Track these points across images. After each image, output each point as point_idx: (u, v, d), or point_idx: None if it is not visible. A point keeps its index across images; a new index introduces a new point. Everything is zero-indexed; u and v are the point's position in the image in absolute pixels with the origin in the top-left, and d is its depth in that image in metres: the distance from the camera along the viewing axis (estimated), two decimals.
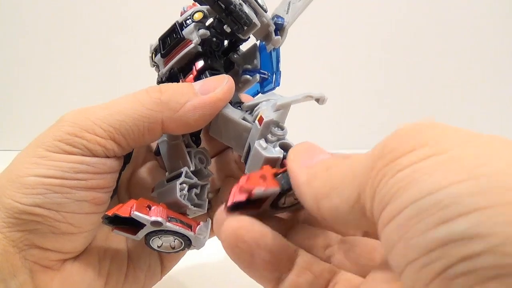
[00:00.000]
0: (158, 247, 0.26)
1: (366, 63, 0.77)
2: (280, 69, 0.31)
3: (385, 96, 0.79)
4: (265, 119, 0.24)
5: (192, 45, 0.28)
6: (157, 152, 0.30)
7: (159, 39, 0.30)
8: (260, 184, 0.19)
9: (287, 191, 0.20)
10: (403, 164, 0.13)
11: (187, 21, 0.29)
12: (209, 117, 0.25)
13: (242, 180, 0.20)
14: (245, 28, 0.26)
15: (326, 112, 0.77)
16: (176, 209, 0.26)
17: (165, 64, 0.29)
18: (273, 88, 0.31)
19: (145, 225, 0.24)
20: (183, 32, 0.28)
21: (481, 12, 0.79)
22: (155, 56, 0.30)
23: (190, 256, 0.33)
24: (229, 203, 0.19)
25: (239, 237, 0.18)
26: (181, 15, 0.30)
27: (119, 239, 0.28)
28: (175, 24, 0.29)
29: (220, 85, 0.25)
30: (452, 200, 0.12)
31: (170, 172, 0.28)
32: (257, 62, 0.31)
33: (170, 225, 0.24)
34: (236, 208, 0.19)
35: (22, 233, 0.23)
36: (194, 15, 0.29)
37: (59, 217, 0.23)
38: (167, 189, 0.26)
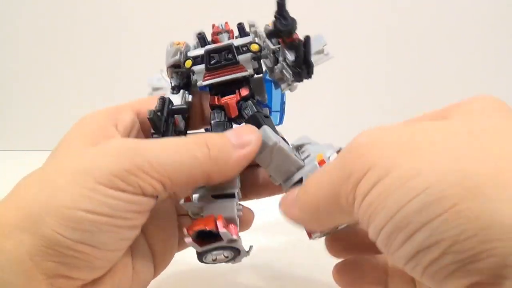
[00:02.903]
0: (213, 260, 0.27)
1: (366, 63, 0.77)
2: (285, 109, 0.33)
3: (385, 97, 0.79)
4: (326, 162, 0.28)
5: (245, 73, 0.30)
6: None
7: (206, 52, 0.30)
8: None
9: None
10: (363, 192, 0.18)
11: (244, 48, 0.30)
12: (244, 167, 0.27)
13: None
14: (308, 77, 0.29)
15: (325, 111, 0.77)
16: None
17: (205, 77, 0.30)
18: (277, 123, 0.33)
19: (218, 240, 0.25)
20: (239, 57, 0.30)
21: (483, 11, 0.79)
22: (193, 64, 0.30)
23: (188, 256, 0.33)
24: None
25: None
26: (214, 29, 0.32)
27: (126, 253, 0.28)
28: (231, 45, 0.30)
29: (253, 137, 0.26)
30: (405, 220, 0.16)
31: (213, 189, 0.28)
32: (265, 96, 0.33)
33: (240, 243, 0.26)
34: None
35: (56, 264, 0.22)
36: (252, 46, 0.30)
37: (99, 255, 0.23)
38: (220, 206, 0.28)
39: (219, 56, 0.30)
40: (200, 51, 0.31)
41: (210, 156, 0.24)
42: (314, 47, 0.31)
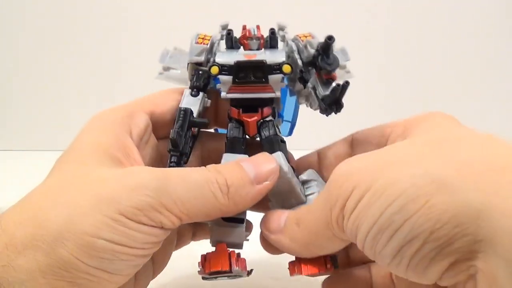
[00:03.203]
0: (215, 278, 0.28)
1: (364, 64, 0.77)
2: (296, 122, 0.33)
3: (384, 98, 0.79)
4: None
5: (272, 95, 0.29)
6: None
7: (236, 63, 0.29)
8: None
9: None
10: (350, 209, 0.21)
11: (276, 68, 0.29)
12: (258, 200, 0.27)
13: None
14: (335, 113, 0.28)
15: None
16: (230, 246, 0.29)
17: (231, 89, 0.29)
18: (287, 135, 0.32)
19: (228, 272, 0.27)
20: (269, 77, 0.29)
21: (482, 11, 0.79)
22: (220, 71, 0.29)
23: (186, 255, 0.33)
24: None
25: None
26: (244, 32, 0.30)
27: None
28: (263, 63, 0.29)
29: (271, 172, 0.26)
30: (388, 221, 0.19)
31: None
32: (280, 105, 0.32)
33: (244, 274, 0.28)
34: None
35: (67, 283, 0.22)
36: (285, 67, 0.29)
37: (111, 279, 0.23)
38: (230, 231, 0.29)
39: (248, 71, 0.29)
40: (229, 59, 0.29)
41: (228, 196, 0.25)
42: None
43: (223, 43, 0.31)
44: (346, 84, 0.27)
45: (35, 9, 0.76)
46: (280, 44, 0.32)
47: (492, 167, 0.18)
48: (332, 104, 0.28)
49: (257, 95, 0.29)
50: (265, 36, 0.31)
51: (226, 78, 0.29)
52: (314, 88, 0.29)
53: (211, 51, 0.31)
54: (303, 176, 0.30)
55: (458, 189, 0.18)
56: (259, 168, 0.26)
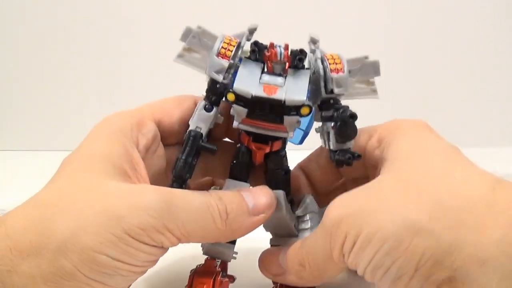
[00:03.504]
0: None
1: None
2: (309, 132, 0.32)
3: (383, 98, 0.79)
4: None
5: (284, 135, 0.29)
6: None
7: (254, 98, 0.27)
8: None
9: None
10: (348, 251, 0.24)
11: (293, 109, 0.28)
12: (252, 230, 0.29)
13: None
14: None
15: None
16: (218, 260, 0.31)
17: (244, 121, 0.29)
18: (297, 143, 0.32)
19: None
20: (285, 118, 0.28)
21: (482, 11, 0.79)
22: (236, 100, 0.28)
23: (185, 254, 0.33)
24: None
25: None
26: (271, 52, 0.28)
27: None
28: (281, 103, 0.27)
29: (268, 206, 0.28)
30: (380, 262, 0.23)
31: None
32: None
33: None
34: None
35: None
36: (303, 109, 0.27)
37: None
38: (221, 250, 0.31)
39: (265, 106, 0.28)
40: (248, 87, 0.27)
41: (226, 222, 0.26)
42: (363, 73, 0.30)
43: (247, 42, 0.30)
44: (357, 157, 0.28)
45: (35, 9, 0.76)
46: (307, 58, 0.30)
47: (457, 204, 0.22)
48: (339, 163, 0.28)
49: (269, 133, 0.29)
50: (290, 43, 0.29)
51: (241, 110, 0.28)
52: (328, 133, 0.29)
53: (233, 61, 0.29)
54: (299, 212, 0.31)
55: (432, 232, 0.22)
56: (257, 201, 0.28)
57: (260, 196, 0.28)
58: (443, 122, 0.78)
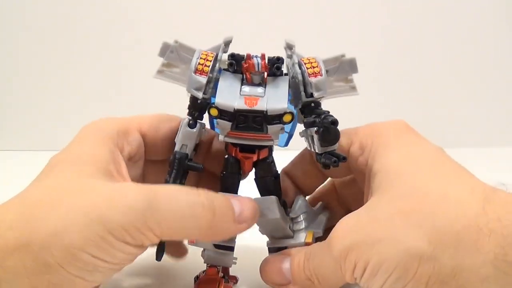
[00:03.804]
0: None
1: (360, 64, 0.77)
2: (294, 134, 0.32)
3: (381, 98, 0.79)
4: (313, 242, 0.32)
5: (270, 143, 0.29)
6: None
7: (236, 112, 0.28)
8: None
9: None
10: (359, 276, 0.26)
11: (276, 118, 0.28)
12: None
13: None
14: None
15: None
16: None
17: (228, 134, 0.29)
18: (283, 145, 0.32)
19: None
20: (269, 127, 0.28)
21: (482, 11, 0.79)
22: (219, 115, 0.28)
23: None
24: None
25: None
26: (248, 64, 0.29)
27: None
28: (264, 113, 0.28)
29: (250, 218, 0.28)
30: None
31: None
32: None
33: None
34: None
35: (46, 283, 0.24)
36: (285, 117, 0.28)
37: (87, 284, 0.25)
38: (220, 257, 0.32)
39: (248, 118, 0.28)
40: (229, 101, 0.28)
41: (211, 224, 0.26)
42: (341, 72, 0.30)
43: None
44: (342, 159, 0.28)
45: (35, 9, 0.77)
46: (285, 62, 0.31)
47: (453, 228, 0.24)
48: (325, 165, 0.28)
49: (255, 143, 0.29)
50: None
51: (224, 124, 0.29)
52: (312, 137, 0.29)
53: (212, 75, 0.29)
54: (292, 214, 0.32)
55: (434, 257, 0.23)
56: (244, 209, 0.28)
57: (247, 205, 0.28)
58: (443, 122, 0.78)
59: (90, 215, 0.24)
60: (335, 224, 0.27)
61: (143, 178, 0.33)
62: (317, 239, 0.31)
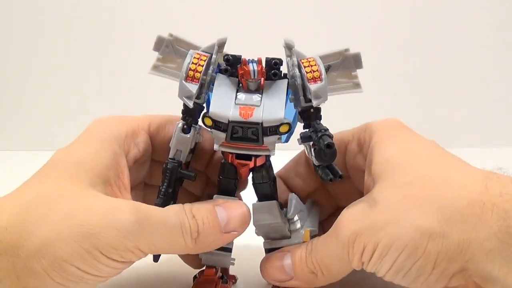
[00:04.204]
0: None
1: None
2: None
3: (380, 98, 0.79)
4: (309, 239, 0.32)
5: (267, 153, 0.29)
6: None
7: (231, 123, 0.27)
8: None
9: None
10: (367, 260, 0.26)
11: (272, 129, 0.27)
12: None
13: None
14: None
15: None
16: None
17: (224, 143, 0.28)
18: (283, 141, 0.31)
19: None
20: (264, 139, 0.28)
21: (481, 11, 0.79)
22: (214, 125, 0.28)
23: None
24: None
25: None
26: (244, 70, 0.28)
27: None
28: (259, 125, 0.27)
29: (241, 223, 0.28)
30: (400, 267, 0.26)
31: None
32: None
33: None
34: None
35: (33, 286, 0.25)
36: (282, 127, 0.27)
37: None
38: (218, 259, 0.32)
39: (243, 130, 0.27)
40: (224, 110, 0.27)
41: (196, 241, 0.27)
42: (344, 67, 0.29)
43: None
44: (338, 178, 0.28)
45: (35, 9, 0.77)
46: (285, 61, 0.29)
47: (460, 206, 0.25)
48: (322, 179, 0.28)
49: (251, 152, 0.29)
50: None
51: (219, 134, 0.28)
52: (309, 147, 0.29)
53: (205, 77, 0.28)
54: (290, 215, 0.32)
55: (443, 234, 0.24)
56: (231, 217, 0.28)
57: (235, 212, 0.28)
58: (443, 122, 0.78)
59: (80, 230, 0.24)
60: (324, 219, 0.28)
61: (149, 178, 0.33)
62: (313, 237, 0.31)
